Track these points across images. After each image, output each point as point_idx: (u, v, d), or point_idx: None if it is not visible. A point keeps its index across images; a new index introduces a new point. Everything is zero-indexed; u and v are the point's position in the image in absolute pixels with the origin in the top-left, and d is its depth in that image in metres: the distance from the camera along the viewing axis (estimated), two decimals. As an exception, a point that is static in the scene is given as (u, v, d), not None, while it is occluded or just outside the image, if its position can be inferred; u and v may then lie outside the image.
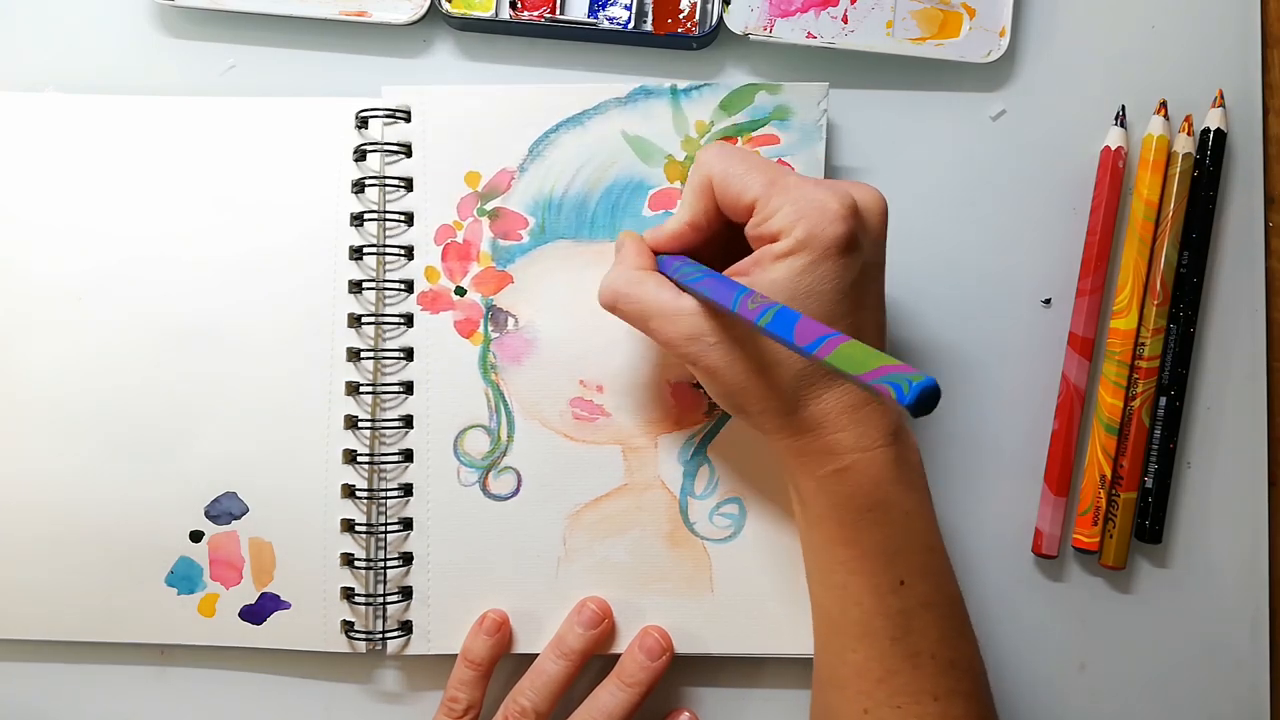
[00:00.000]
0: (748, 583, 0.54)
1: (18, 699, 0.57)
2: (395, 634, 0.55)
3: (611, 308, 0.49)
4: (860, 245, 0.45)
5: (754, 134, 0.55)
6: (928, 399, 0.35)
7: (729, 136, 0.55)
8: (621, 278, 0.48)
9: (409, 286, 0.55)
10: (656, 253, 0.50)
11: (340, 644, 0.55)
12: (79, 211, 0.56)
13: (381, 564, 0.55)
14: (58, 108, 0.56)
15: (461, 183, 0.55)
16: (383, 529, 0.55)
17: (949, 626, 0.47)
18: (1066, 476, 0.56)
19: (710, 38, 0.57)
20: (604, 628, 0.54)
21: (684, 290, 0.47)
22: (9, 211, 0.56)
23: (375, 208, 0.56)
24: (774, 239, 0.45)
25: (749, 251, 0.47)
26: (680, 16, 0.57)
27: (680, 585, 0.55)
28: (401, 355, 0.55)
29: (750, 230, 0.47)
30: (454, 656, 0.54)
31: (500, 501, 0.55)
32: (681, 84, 0.55)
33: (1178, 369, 0.56)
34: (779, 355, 0.45)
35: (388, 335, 0.55)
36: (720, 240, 0.49)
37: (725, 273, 0.46)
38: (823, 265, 0.44)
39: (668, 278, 0.48)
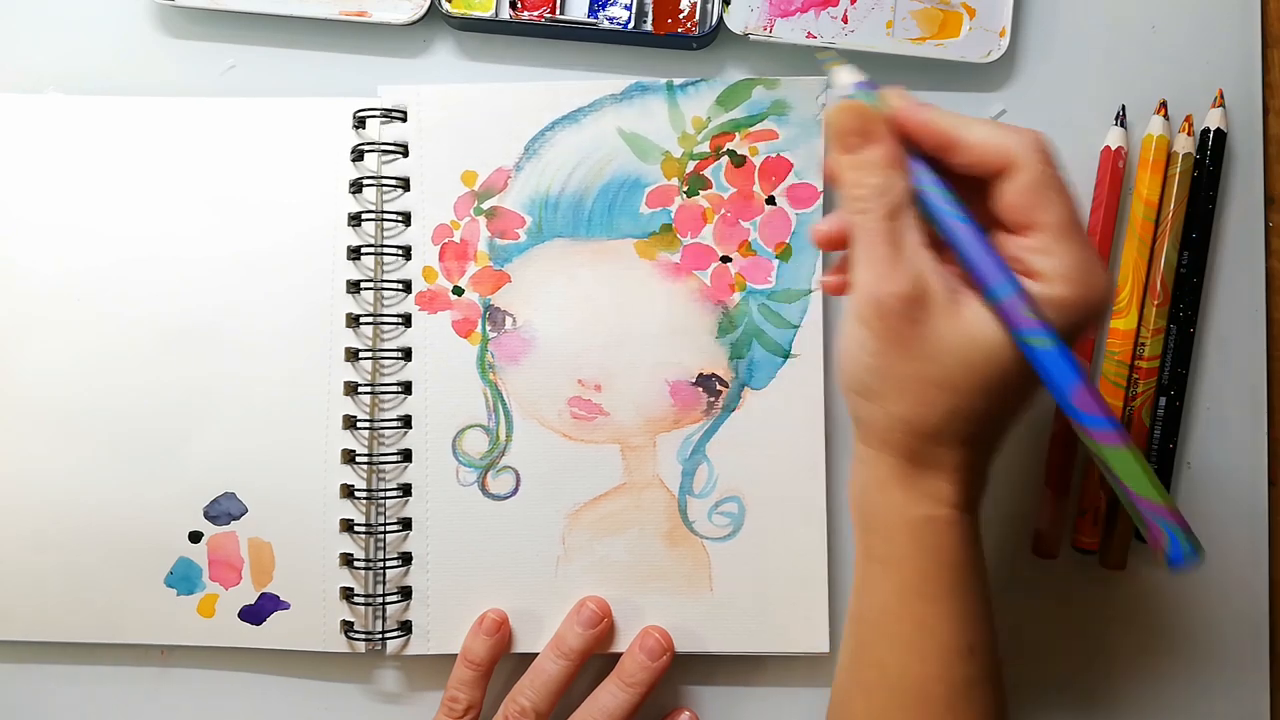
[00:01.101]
0: (747, 581, 0.54)
1: (18, 699, 0.57)
2: (395, 634, 0.55)
3: (833, 180, 0.42)
4: (1087, 335, 0.43)
5: (752, 129, 0.55)
6: (1188, 563, 0.35)
7: (725, 132, 0.55)
8: (887, 195, 0.41)
9: (407, 286, 0.55)
10: (906, 134, 0.42)
11: (340, 644, 0.55)
12: (79, 212, 0.56)
13: (380, 564, 0.55)
14: (58, 109, 0.56)
15: (458, 182, 0.56)
16: (382, 529, 0.55)
17: (997, 704, 0.45)
18: (1066, 476, 0.56)
19: (710, 38, 0.57)
20: (603, 627, 0.54)
21: (931, 221, 0.41)
22: (9, 211, 0.56)
23: (373, 207, 0.56)
24: (1026, 272, 0.40)
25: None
26: (680, 16, 0.57)
27: (679, 584, 0.55)
28: (400, 355, 0.55)
29: (1014, 241, 0.41)
30: (454, 656, 0.54)
31: (499, 501, 0.55)
32: (678, 80, 0.55)
33: (1178, 369, 0.56)
34: (963, 383, 0.41)
35: (386, 335, 0.56)
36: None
37: None
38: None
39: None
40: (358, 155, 0.56)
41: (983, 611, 0.44)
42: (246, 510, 0.55)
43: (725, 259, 0.55)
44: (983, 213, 0.41)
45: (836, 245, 0.43)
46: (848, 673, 0.47)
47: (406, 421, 0.55)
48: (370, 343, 0.55)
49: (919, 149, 0.42)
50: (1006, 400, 0.41)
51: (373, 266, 0.56)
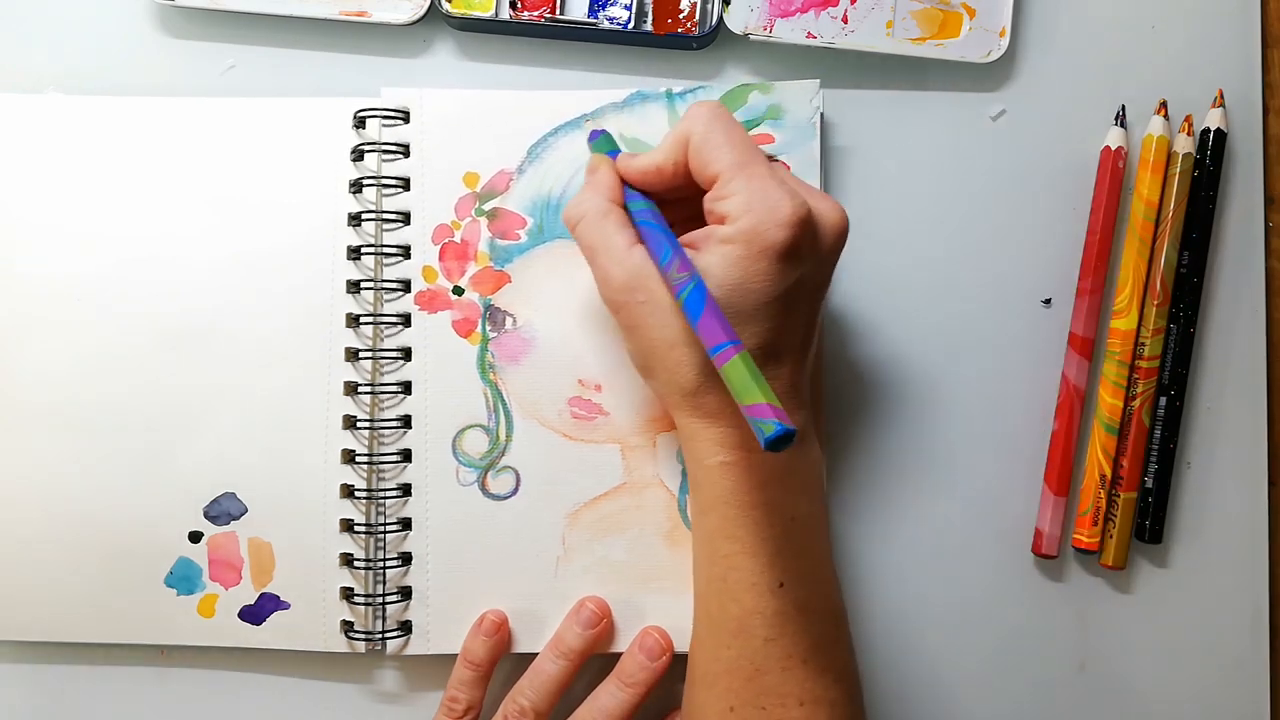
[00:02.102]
0: (746, 582, 0.54)
1: (18, 700, 0.57)
2: (395, 634, 0.55)
3: (570, 229, 0.49)
4: (801, 257, 0.45)
5: (749, 133, 0.55)
6: (778, 444, 0.39)
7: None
8: (592, 205, 0.48)
9: (407, 286, 0.55)
10: (624, 181, 0.49)
11: (340, 644, 0.55)
12: (79, 212, 0.56)
13: (380, 564, 0.55)
14: (58, 109, 0.56)
15: (460, 183, 0.56)
16: (382, 529, 0.55)
17: (823, 635, 0.47)
18: (1066, 476, 0.56)
19: (710, 38, 0.57)
20: (603, 627, 0.54)
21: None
22: (9, 212, 0.56)
23: (373, 207, 0.56)
24: (722, 221, 0.45)
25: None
26: (680, 16, 0.57)
27: (679, 584, 0.55)
28: (400, 355, 0.55)
29: (706, 203, 0.47)
30: (454, 656, 0.54)
31: (499, 501, 0.55)
32: (676, 87, 0.55)
33: (1178, 369, 0.56)
34: (691, 333, 0.45)
35: (386, 335, 0.56)
36: (697, 197, 0.48)
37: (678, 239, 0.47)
38: (757, 264, 0.44)
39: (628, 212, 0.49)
40: (358, 155, 0.56)
41: (792, 547, 0.47)
42: (246, 510, 0.55)
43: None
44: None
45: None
46: (693, 629, 0.50)
47: (406, 421, 0.55)
48: (370, 342, 0.55)
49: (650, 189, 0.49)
50: (741, 329, 0.45)
51: (372, 266, 0.56)
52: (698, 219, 0.48)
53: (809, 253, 0.45)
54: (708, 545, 0.48)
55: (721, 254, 0.45)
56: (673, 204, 0.49)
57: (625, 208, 0.49)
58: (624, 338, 0.49)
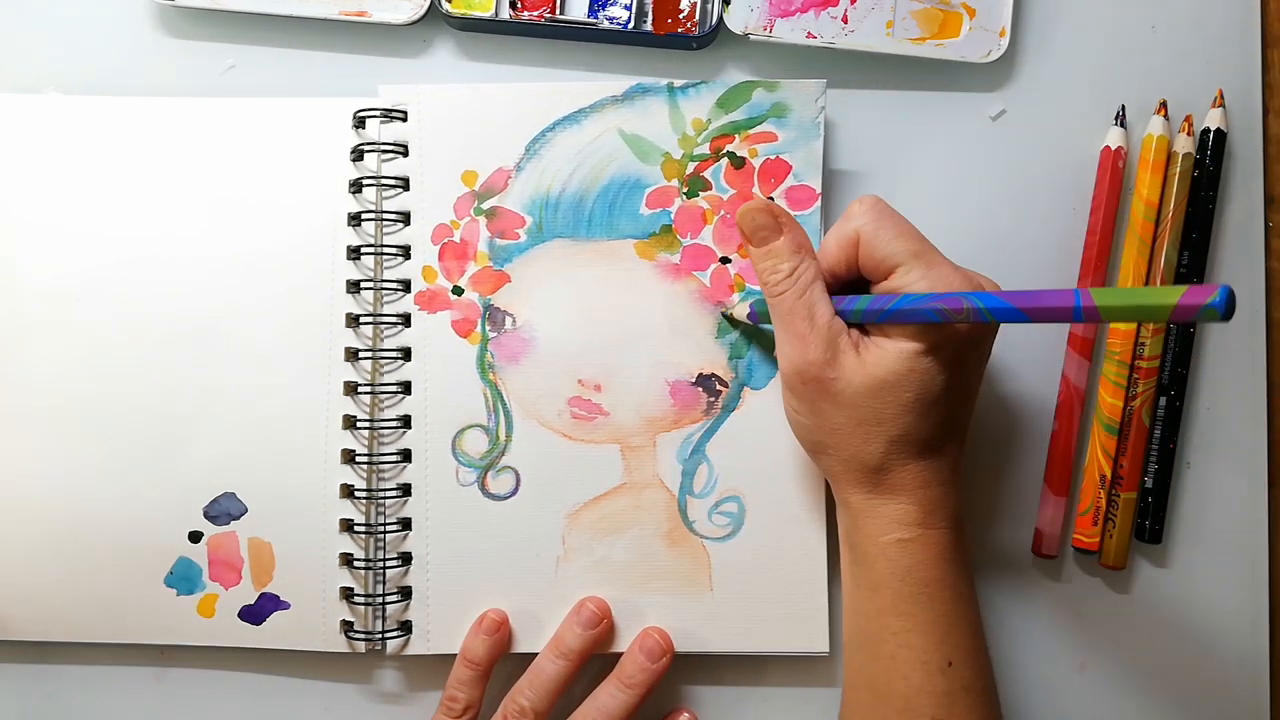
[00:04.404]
0: (747, 581, 0.54)
1: (18, 700, 0.57)
2: (394, 634, 0.55)
3: (769, 288, 0.48)
4: (981, 339, 0.46)
5: (751, 131, 0.55)
6: (1230, 306, 0.35)
7: (725, 134, 0.55)
8: (808, 269, 0.48)
9: (406, 286, 0.55)
10: None
11: (340, 644, 0.55)
12: (79, 212, 0.56)
13: (380, 564, 0.55)
14: (58, 109, 0.56)
15: (458, 182, 0.56)
16: (381, 529, 0.55)
17: (986, 714, 0.48)
18: (1066, 476, 0.56)
19: (710, 38, 0.57)
20: (603, 627, 0.54)
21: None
22: (9, 211, 0.56)
23: (373, 207, 0.56)
24: None
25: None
26: (680, 16, 0.57)
27: (679, 584, 0.55)
28: (399, 355, 0.55)
29: (882, 292, 0.47)
30: (453, 656, 0.54)
31: (499, 501, 0.55)
32: (678, 82, 0.55)
33: (1178, 369, 0.56)
34: (885, 414, 0.46)
35: (385, 335, 0.56)
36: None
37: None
38: (942, 351, 0.45)
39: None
40: (358, 155, 0.56)
41: (961, 625, 0.47)
42: (246, 510, 0.55)
43: (725, 260, 0.55)
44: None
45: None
46: (848, 694, 0.50)
47: (406, 421, 0.55)
48: (370, 342, 0.55)
49: None
50: (927, 411, 0.46)
51: (372, 266, 0.56)
52: None
53: (985, 334, 0.47)
54: (875, 620, 0.48)
55: (899, 345, 0.45)
56: None
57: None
58: (801, 413, 0.49)
